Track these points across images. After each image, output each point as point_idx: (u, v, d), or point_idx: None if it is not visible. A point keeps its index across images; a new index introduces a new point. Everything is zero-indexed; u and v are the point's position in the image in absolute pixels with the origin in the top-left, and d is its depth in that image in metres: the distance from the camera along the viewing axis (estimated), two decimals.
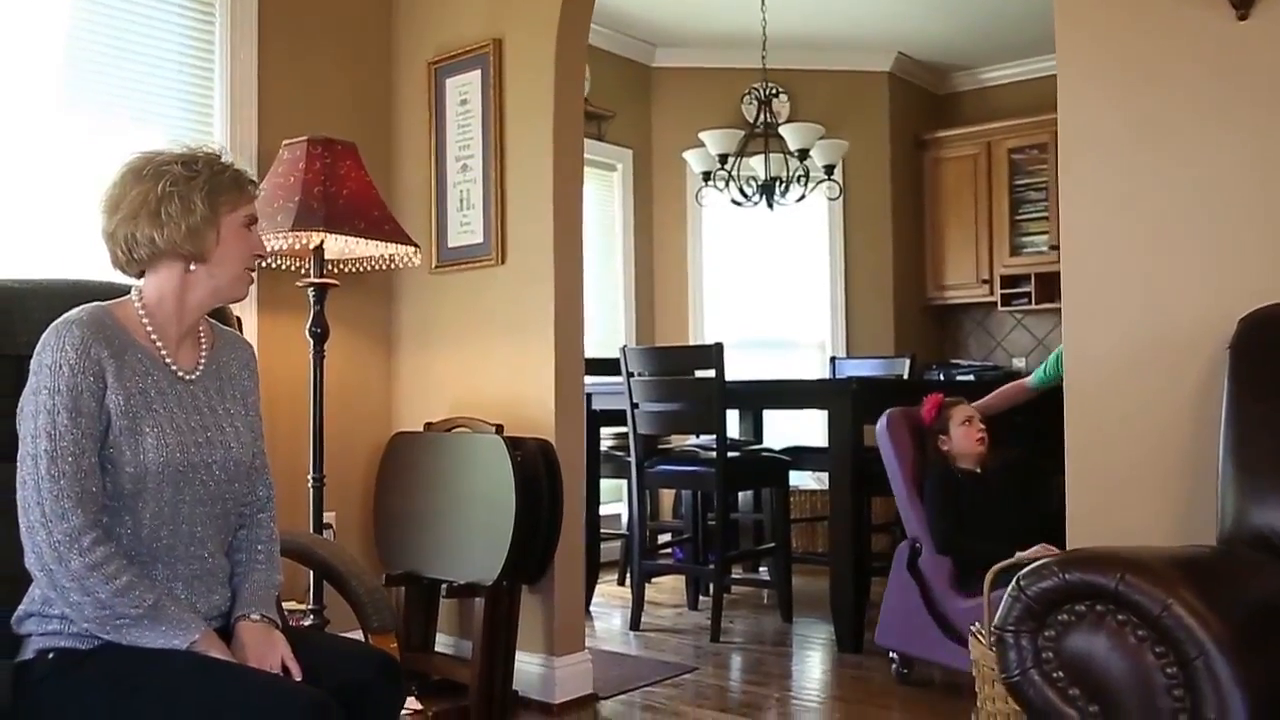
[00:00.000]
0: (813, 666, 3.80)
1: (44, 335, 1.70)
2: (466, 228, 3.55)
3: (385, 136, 3.78)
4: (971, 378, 5.91)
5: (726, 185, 5.14)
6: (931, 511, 3.35)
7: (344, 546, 2.52)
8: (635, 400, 4.32)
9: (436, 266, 3.61)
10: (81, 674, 1.62)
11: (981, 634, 2.13)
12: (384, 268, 3.29)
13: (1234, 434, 1.87)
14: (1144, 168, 2.36)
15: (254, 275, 1.86)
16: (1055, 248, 6.25)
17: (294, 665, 1.71)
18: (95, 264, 2.83)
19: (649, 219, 6.38)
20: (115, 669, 1.61)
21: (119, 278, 1.91)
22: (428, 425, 3.49)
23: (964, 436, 3.42)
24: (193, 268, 1.76)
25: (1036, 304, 6.37)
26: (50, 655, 1.65)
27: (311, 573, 3.02)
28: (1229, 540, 1.82)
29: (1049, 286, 6.37)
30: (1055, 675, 1.42)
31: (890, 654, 3.51)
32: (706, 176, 5.19)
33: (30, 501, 1.62)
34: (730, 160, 5.04)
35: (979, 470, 3.43)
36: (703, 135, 5.07)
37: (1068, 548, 2.35)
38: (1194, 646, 1.29)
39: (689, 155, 5.29)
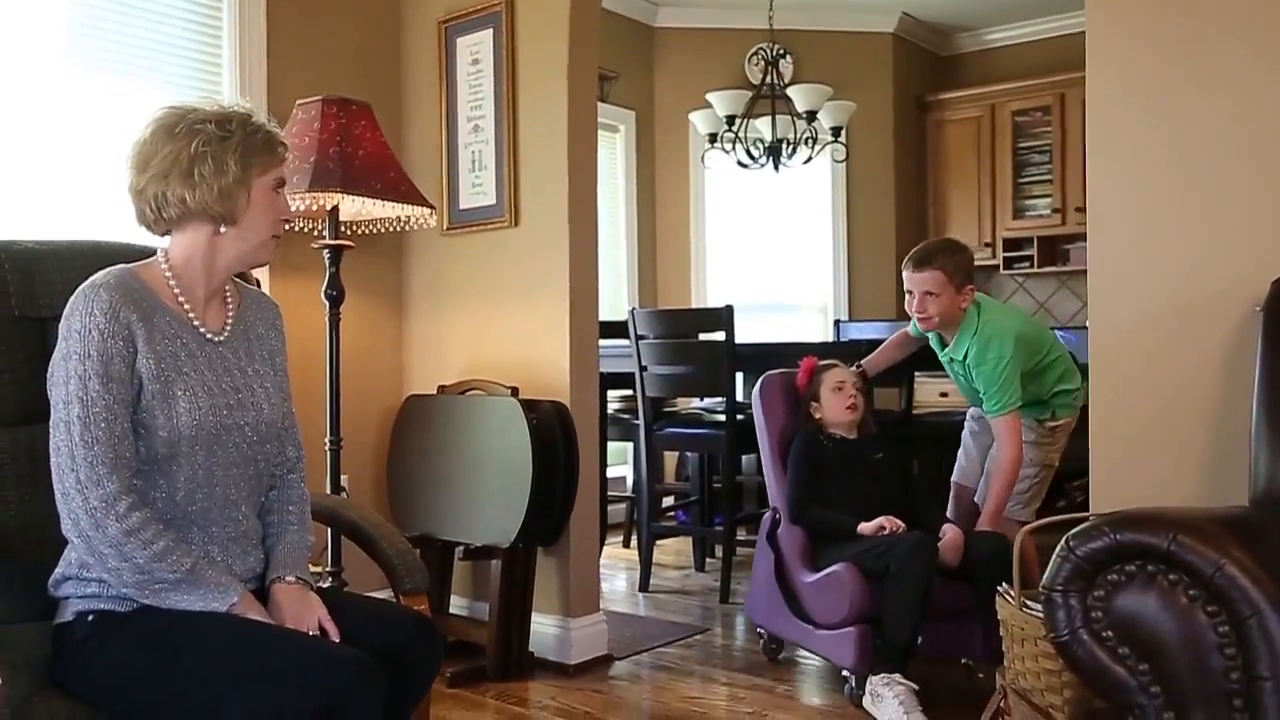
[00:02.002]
0: None
1: (72, 299, 1.68)
2: (479, 189, 3.51)
3: (395, 96, 3.74)
4: None
5: (733, 147, 5.11)
6: (787, 480, 3.18)
7: (371, 508, 2.52)
8: (644, 363, 4.32)
9: (448, 228, 3.58)
10: (122, 635, 1.62)
11: (1010, 594, 2.15)
12: (399, 229, 3.26)
13: (1268, 395, 1.87)
14: (1175, 124, 2.34)
15: (280, 239, 1.84)
16: (1058, 211, 6.26)
17: (331, 627, 1.71)
18: (109, 223, 2.82)
19: (651, 181, 6.34)
20: (156, 631, 1.61)
21: (141, 237, 1.89)
22: (441, 388, 3.48)
23: (834, 404, 3.20)
24: (222, 230, 1.74)
25: (1038, 267, 6.36)
26: (90, 617, 1.65)
27: (330, 534, 3.02)
28: (1262, 500, 1.83)
29: (1051, 250, 6.38)
30: (1105, 635, 1.43)
31: (758, 629, 3.43)
32: (713, 138, 5.16)
33: (65, 468, 1.61)
34: (737, 122, 5.00)
35: (854, 438, 3.21)
36: (710, 96, 5.04)
37: (1091, 509, 2.36)
38: (1247, 605, 1.29)
39: (695, 117, 5.25)
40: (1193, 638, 1.36)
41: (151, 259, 1.79)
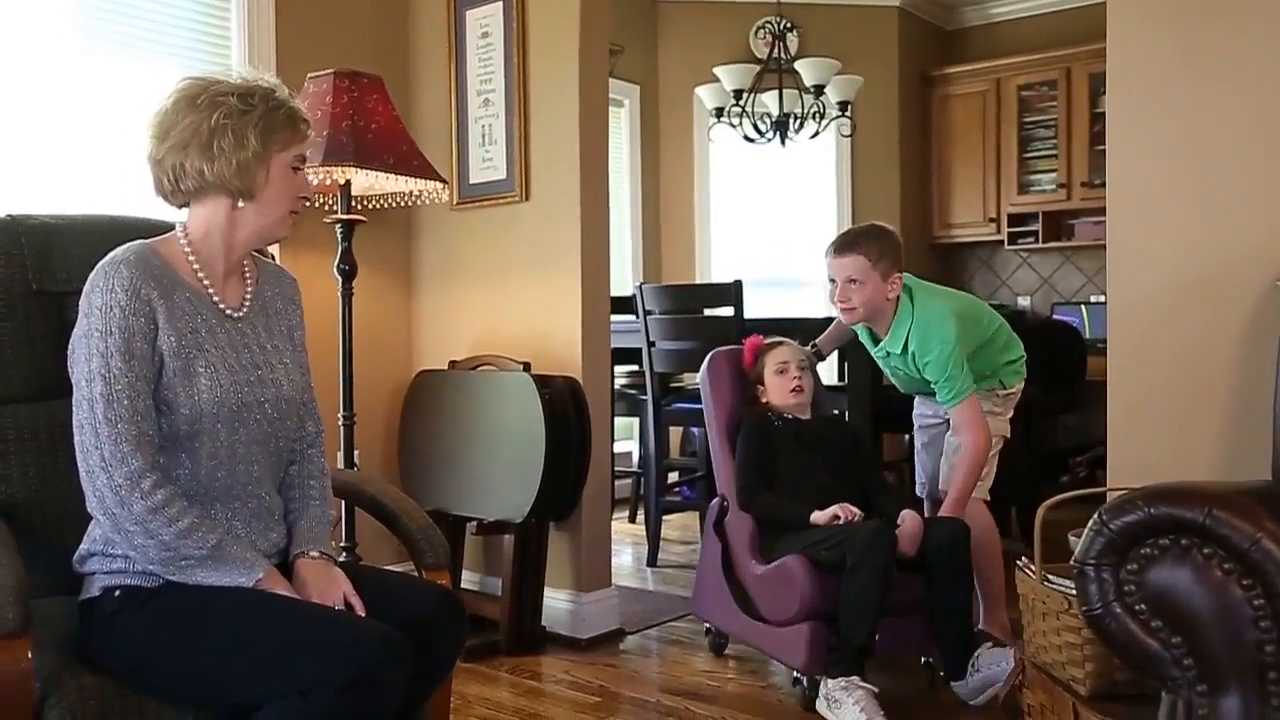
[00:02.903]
0: None
1: (92, 275, 1.67)
2: (489, 164, 3.50)
3: (403, 70, 3.71)
4: None
5: (740, 122, 5.08)
6: (735, 464, 2.97)
7: (388, 483, 2.51)
8: (651, 338, 4.31)
9: (458, 203, 3.56)
10: (149, 611, 1.62)
11: (1030, 569, 2.15)
12: (411, 204, 3.25)
13: None
14: (1193, 100, 2.33)
15: (297, 216, 1.82)
16: (1063, 186, 6.24)
17: (357, 601, 1.71)
18: (121, 196, 2.81)
19: (655, 156, 6.31)
20: (182, 606, 1.61)
21: (159, 210, 1.88)
22: (452, 363, 3.47)
23: (777, 386, 2.98)
24: (240, 204, 1.72)
25: (1043, 243, 6.35)
26: (116, 592, 1.65)
27: (344, 509, 3.02)
28: None
29: (1056, 225, 6.36)
30: (1138, 608, 1.43)
31: (706, 624, 3.24)
32: (719, 113, 5.13)
33: (89, 445, 1.60)
34: (744, 96, 4.98)
35: (808, 418, 3.00)
36: (718, 70, 5.01)
37: (1109, 483, 2.36)
38: None
39: (701, 91, 5.22)
40: (1227, 611, 1.36)
41: (170, 234, 1.77)
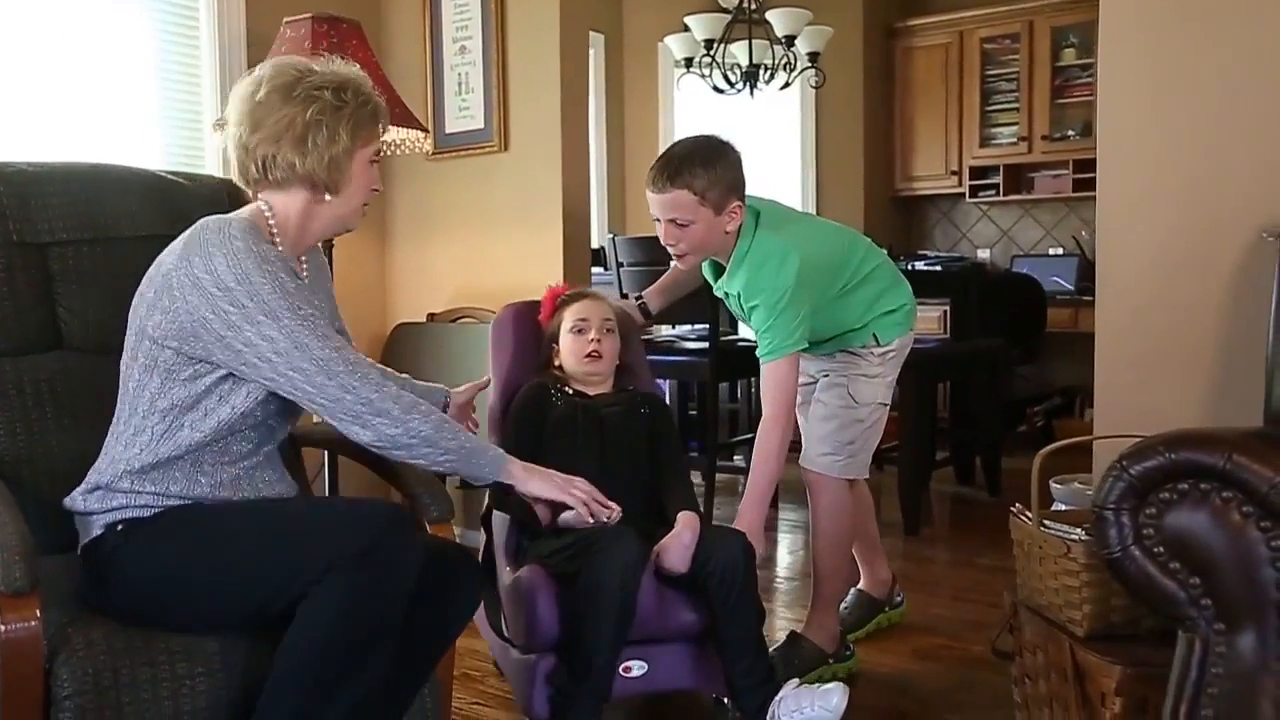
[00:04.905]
0: (804, 548, 3.89)
1: (200, 248, 1.59)
2: (465, 113, 3.44)
3: (375, 15, 3.62)
4: (938, 268, 5.97)
5: (710, 72, 5.04)
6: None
7: None
8: (624, 291, 4.29)
9: (434, 153, 3.51)
10: (155, 535, 1.61)
11: (1025, 515, 2.19)
12: (390, 153, 3.19)
13: None
14: (1185, 52, 2.35)
15: (368, 207, 1.85)
16: (1024, 139, 6.30)
17: None
18: (89, 142, 2.73)
19: (620, 106, 6.25)
20: (190, 523, 1.61)
21: (134, 157, 1.83)
22: (431, 316, 3.44)
23: (571, 348, 2.37)
24: (326, 197, 1.73)
25: (1004, 195, 6.41)
26: (119, 526, 1.63)
27: (325, 459, 2.99)
28: (1276, 422, 1.88)
29: (1016, 179, 6.42)
30: (1156, 550, 1.46)
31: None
32: (689, 63, 5.09)
33: (324, 384, 1.60)
34: (715, 46, 4.94)
35: (595, 394, 2.38)
36: (689, 20, 4.96)
37: (1095, 431, 2.41)
38: None
39: (670, 40, 5.17)
40: (1244, 553, 1.40)
41: (257, 210, 1.74)
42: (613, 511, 1.95)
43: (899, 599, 2.98)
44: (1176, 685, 1.46)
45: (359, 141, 1.72)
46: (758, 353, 2.38)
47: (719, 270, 2.50)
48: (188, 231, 1.65)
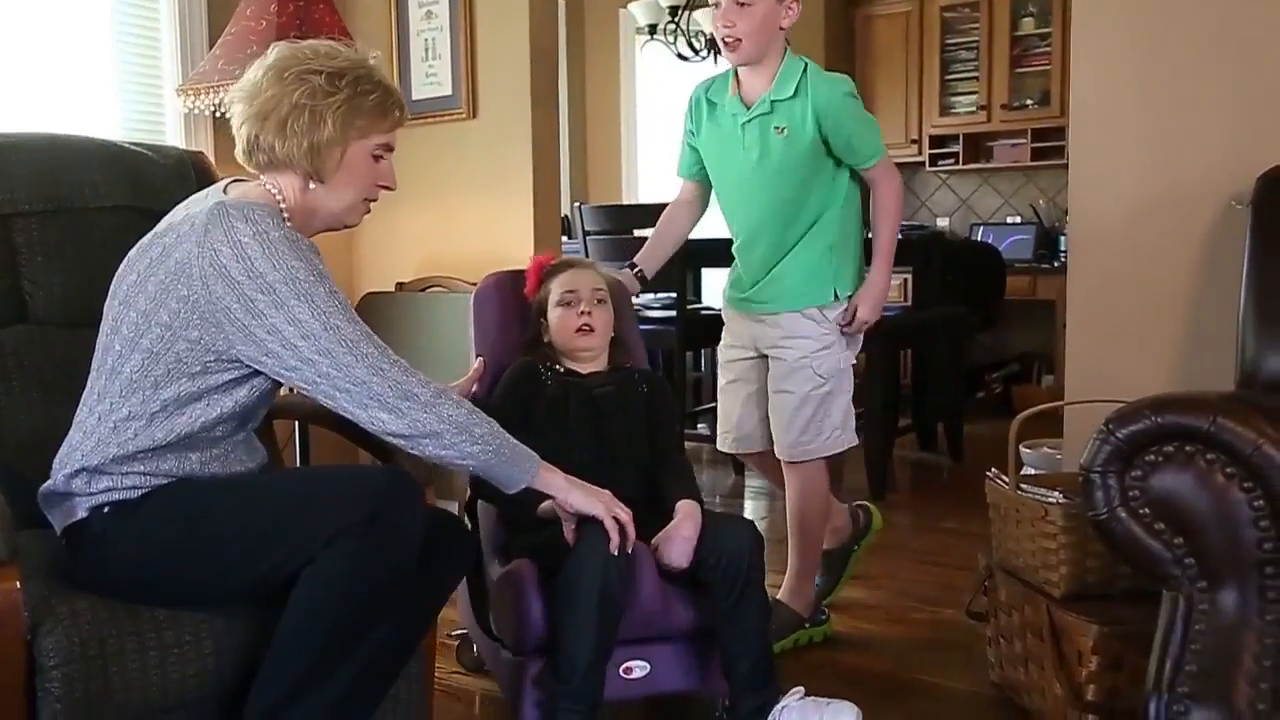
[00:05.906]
0: (777, 513, 3.93)
1: (227, 234, 1.53)
2: (433, 79, 3.39)
3: None
4: (899, 236, 6.00)
5: (674, 40, 5.02)
6: None
7: None
8: (592, 260, 4.28)
9: None
10: (144, 514, 1.57)
11: (1001, 478, 2.23)
12: None
13: (1255, 285, 1.95)
14: (1157, 20, 2.37)
15: (372, 205, 1.75)
16: (984, 108, 6.35)
17: None
18: (32, 109, 2.65)
19: (581, 75, 6.20)
20: (180, 500, 1.57)
21: (93, 127, 1.78)
22: (399, 285, 3.41)
23: (561, 322, 2.19)
24: (312, 185, 1.66)
25: (963, 164, 6.46)
26: (105, 509, 1.58)
27: (296, 430, 2.96)
28: (1247, 385, 1.92)
29: (975, 147, 6.48)
30: (1142, 512, 1.50)
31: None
32: (651, 30, 5.06)
33: (363, 378, 1.54)
34: (679, 13, 4.91)
35: (587, 372, 2.20)
36: None
37: (1066, 397, 2.45)
38: None
39: (634, 7, 5.13)
40: (1228, 513, 1.44)
41: (267, 192, 1.67)
42: (630, 544, 1.82)
43: (824, 616, 2.71)
44: (1161, 641, 1.50)
45: (351, 132, 1.63)
46: (861, 157, 2.40)
47: (713, 110, 2.46)
48: (195, 216, 1.57)
